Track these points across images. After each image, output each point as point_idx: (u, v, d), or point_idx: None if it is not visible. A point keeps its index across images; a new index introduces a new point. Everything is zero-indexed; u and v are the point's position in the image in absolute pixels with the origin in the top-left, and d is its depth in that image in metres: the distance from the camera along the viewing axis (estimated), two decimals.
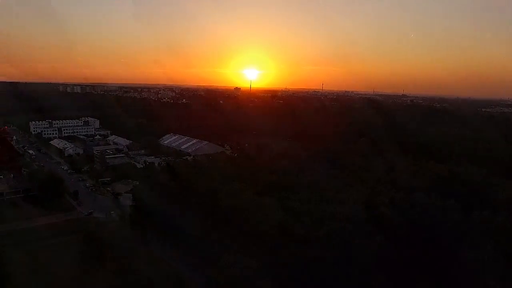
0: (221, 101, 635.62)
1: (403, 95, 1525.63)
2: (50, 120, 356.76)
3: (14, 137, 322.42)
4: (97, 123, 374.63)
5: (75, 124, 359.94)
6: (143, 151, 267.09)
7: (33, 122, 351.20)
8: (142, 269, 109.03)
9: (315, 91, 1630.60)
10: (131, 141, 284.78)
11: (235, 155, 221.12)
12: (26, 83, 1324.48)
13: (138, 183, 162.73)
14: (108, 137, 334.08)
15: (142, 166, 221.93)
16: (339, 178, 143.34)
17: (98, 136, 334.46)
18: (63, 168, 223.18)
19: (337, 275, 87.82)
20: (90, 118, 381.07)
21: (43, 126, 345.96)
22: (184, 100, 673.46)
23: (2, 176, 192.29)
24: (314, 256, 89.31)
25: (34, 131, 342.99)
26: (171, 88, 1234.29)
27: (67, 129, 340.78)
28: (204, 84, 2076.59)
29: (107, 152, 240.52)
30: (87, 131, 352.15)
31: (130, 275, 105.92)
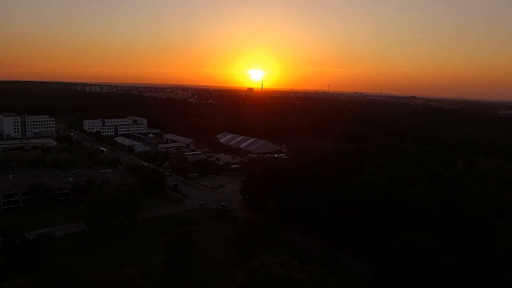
0: (247, 102, 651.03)
1: (412, 97, 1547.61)
2: (102, 119, 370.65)
3: (75, 136, 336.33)
4: (145, 122, 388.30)
5: (126, 123, 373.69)
6: (207, 149, 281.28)
7: (87, 121, 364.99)
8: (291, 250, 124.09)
9: (324, 92, 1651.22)
10: (192, 139, 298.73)
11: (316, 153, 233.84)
12: (38, 82, 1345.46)
13: (245, 178, 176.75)
14: (161, 135, 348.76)
15: (221, 163, 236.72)
16: (436, 172, 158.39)
17: (151, 134, 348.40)
18: (143, 164, 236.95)
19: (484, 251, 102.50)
20: (137, 117, 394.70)
21: (97, 124, 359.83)
22: (210, 100, 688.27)
23: (101, 170, 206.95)
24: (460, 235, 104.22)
25: (89, 129, 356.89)
26: (184, 88, 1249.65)
27: (122, 128, 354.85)
28: (211, 84, 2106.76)
29: (181, 149, 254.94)
30: (139, 129, 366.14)
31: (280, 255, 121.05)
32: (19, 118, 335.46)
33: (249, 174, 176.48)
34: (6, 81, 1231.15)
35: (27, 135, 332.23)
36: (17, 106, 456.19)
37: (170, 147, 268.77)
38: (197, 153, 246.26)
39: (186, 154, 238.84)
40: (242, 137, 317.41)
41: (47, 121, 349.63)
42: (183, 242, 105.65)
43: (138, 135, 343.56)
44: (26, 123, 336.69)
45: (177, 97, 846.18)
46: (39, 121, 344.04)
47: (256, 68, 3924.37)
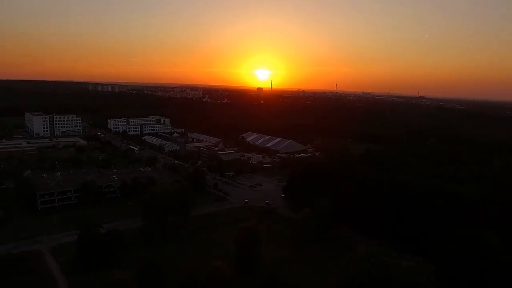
0: (261, 102, 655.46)
1: (421, 97, 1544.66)
2: (126, 118, 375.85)
3: (102, 135, 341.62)
4: (168, 121, 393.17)
5: (151, 122, 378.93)
6: (236, 148, 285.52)
7: (112, 120, 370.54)
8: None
9: (331, 92, 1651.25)
10: (219, 139, 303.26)
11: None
12: (49, 81, 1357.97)
13: (281, 177, 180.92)
14: (185, 134, 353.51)
15: (253, 162, 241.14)
16: (478, 171, 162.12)
17: (175, 134, 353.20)
18: (177, 163, 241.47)
19: None
20: (160, 117, 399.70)
21: (122, 123, 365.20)
22: (225, 100, 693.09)
23: (142, 169, 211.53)
24: None
25: (114, 128, 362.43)
26: (193, 88, 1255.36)
27: (147, 127, 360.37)
28: (219, 84, 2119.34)
29: (213, 149, 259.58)
30: (163, 128, 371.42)
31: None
32: (48, 117, 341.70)
33: (292, 174, 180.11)
34: (17, 80, 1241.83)
35: (55, 134, 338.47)
36: (36, 105, 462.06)
37: (201, 146, 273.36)
38: (229, 153, 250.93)
39: (220, 154, 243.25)
40: (267, 136, 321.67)
41: (74, 120, 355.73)
42: (252, 237, 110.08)
43: (163, 134, 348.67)
44: (55, 122, 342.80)
45: (189, 96, 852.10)
46: (66, 120, 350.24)
47: (263, 68, 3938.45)
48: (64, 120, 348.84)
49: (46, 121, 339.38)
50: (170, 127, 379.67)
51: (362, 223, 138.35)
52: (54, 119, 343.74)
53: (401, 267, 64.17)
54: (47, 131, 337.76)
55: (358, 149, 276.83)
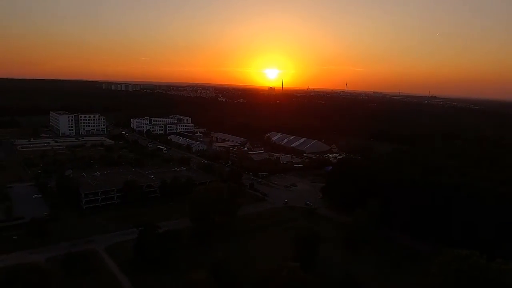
0: (277, 101, 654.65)
1: (433, 96, 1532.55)
2: (149, 118, 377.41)
3: (127, 134, 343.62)
4: (189, 120, 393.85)
5: (173, 121, 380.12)
6: (262, 148, 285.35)
7: (135, 119, 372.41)
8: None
9: (342, 91, 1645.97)
10: (245, 139, 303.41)
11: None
12: (63, 80, 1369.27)
13: (325, 178, 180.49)
14: (208, 134, 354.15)
15: (285, 162, 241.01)
16: None
17: (198, 133, 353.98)
18: (210, 163, 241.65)
19: None
20: (181, 116, 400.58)
21: (145, 123, 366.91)
22: (241, 99, 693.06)
23: (176, 168, 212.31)
24: None
25: (137, 127, 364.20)
26: (205, 87, 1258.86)
27: (170, 126, 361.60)
28: (229, 83, 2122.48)
29: (242, 148, 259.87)
30: (186, 128, 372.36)
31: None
32: (73, 117, 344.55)
33: (331, 174, 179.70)
34: (31, 79, 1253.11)
35: (80, 133, 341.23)
36: (57, 104, 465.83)
37: (228, 146, 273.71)
38: (260, 153, 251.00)
39: (250, 154, 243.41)
40: (292, 136, 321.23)
41: (99, 119, 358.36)
42: (310, 237, 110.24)
43: (187, 133, 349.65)
44: (80, 121, 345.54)
45: (203, 95, 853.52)
46: (91, 119, 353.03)
47: (272, 67, 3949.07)
48: (88, 119, 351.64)
49: (72, 120, 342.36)
50: (192, 127, 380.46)
51: (413, 225, 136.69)
52: (79, 118, 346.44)
53: (501, 270, 63.70)
54: (72, 130, 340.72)
55: (383, 149, 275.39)
